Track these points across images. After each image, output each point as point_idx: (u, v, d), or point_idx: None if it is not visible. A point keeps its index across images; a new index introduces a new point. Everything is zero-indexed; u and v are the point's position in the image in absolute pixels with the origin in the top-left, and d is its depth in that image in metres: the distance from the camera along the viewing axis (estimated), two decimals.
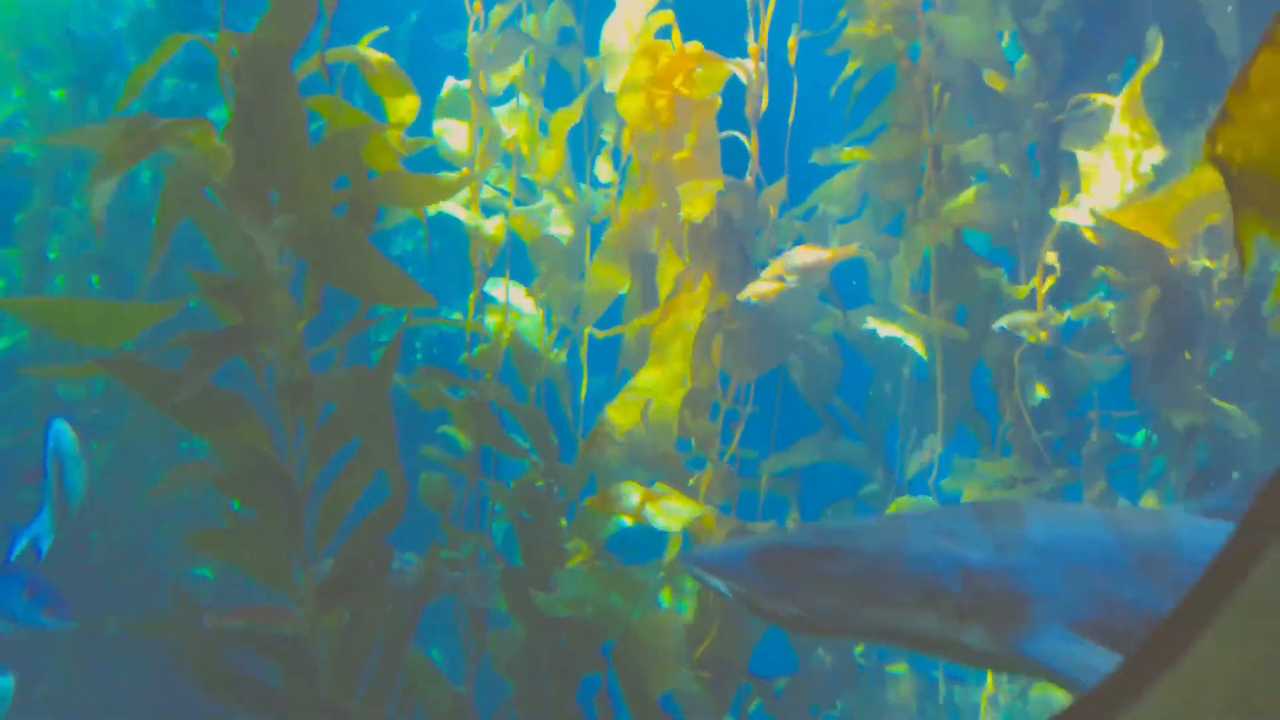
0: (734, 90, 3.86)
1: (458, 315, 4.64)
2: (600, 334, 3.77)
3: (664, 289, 3.53)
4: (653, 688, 3.92)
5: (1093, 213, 3.34)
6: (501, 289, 4.71)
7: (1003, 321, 4.11)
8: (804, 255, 3.70)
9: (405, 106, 3.84)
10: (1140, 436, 4.72)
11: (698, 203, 3.35)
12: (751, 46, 3.61)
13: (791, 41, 3.79)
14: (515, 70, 4.42)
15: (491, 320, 4.66)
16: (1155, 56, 3.40)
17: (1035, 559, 2.07)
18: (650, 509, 3.51)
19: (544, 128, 4.52)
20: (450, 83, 4.67)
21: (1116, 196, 3.38)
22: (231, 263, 3.57)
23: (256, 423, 3.62)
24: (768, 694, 4.09)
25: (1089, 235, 3.93)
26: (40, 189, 6.32)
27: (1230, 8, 3.64)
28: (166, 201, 3.31)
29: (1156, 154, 3.34)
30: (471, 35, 4.44)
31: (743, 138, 3.84)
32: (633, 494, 3.56)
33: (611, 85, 3.33)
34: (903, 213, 4.76)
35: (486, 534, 4.63)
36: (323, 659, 3.76)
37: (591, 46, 4.76)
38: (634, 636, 3.92)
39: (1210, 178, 2.97)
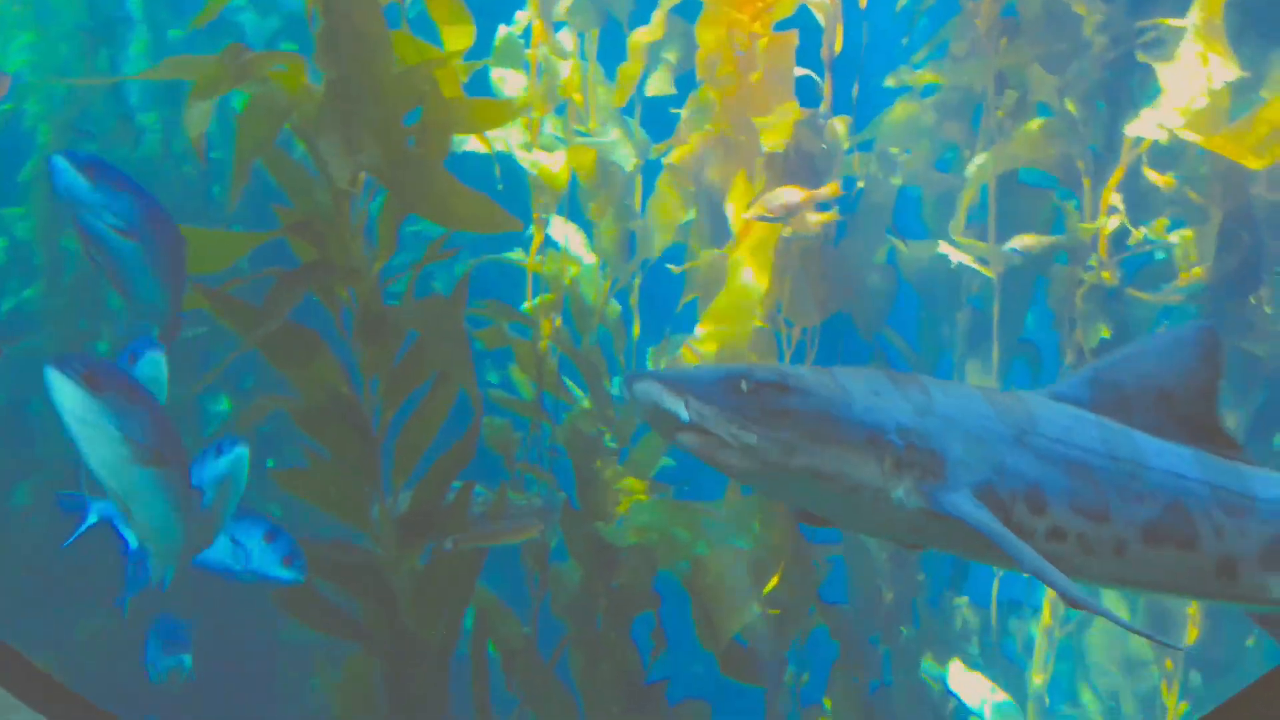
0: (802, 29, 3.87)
1: (519, 253, 4.66)
2: (675, 269, 3.78)
3: (737, 214, 3.54)
4: (726, 624, 3.99)
5: (1172, 132, 3.35)
6: (561, 231, 4.76)
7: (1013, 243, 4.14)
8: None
9: (463, 34, 3.85)
10: None
11: (776, 129, 3.36)
12: None
13: None
14: (571, 11, 4.44)
15: (550, 267, 4.72)
16: None
17: (944, 425, 2.20)
18: None
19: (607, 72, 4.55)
20: (503, 30, 4.69)
21: (1189, 114, 3.39)
22: (305, 201, 3.60)
23: (333, 361, 3.67)
24: (836, 620, 4.15)
25: (1152, 175, 3.94)
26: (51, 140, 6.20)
27: None
28: (245, 135, 3.33)
29: (1231, 72, 3.33)
30: None
31: (813, 75, 3.86)
32: None
33: None
34: (955, 148, 4.78)
35: (549, 472, 4.71)
36: (402, 592, 3.82)
37: None
38: (705, 571, 3.97)
39: None
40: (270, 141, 3.34)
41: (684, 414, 2.11)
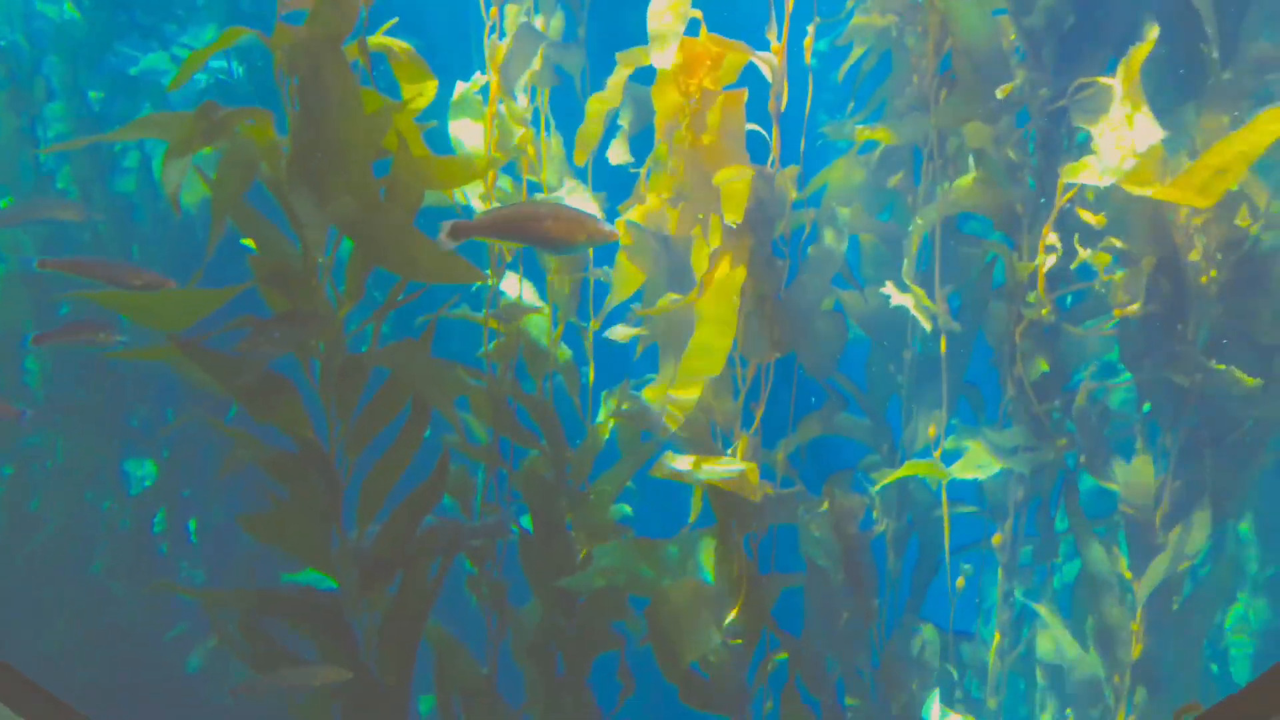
0: (748, 84, 4.05)
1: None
2: (642, 311, 3.92)
3: (700, 267, 3.69)
4: (686, 653, 4.08)
5: (1115, 181, 3.58)
6: (513, 284, 4.89)
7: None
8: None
9: (425, 92, 3.98)
10: (1127, 402, 5.01)
11: (735, 189, 3.52)
12: (775, 45, 3.80)
13: (808, 41, 4.00)
14: (528, 71, 4.59)
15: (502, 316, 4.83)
16: (1150, 42, 3.66)
17: None
18: (706, 467, 3.69)
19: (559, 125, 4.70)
20: (461, 86, 4.84)
21: (1118, 170, 3.63)
22: (272, 253, 3.68)
23: (300, 408, 3.73)
24: (795, 649, 4.26)
25: (1086, 215, 4.18)
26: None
27: None
28: (220, 190, 3.41)
29: (1156, 131, 3.59)
30: (487, 39, 4.61)
31: (760, 130, 4.04)
32: (682, 459, 3.74)
33: (661, 60, 3.48)
34: (897, 197, 5.01)
35: (507, 511, 4.79)
36: (365, 637, 3.87)
37: (593, 47, 4.96)
38: (666, 602, 4.07)
39: (1236, 145, 3.24)
40: (243, 194, 3.42)
41: None
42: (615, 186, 4.46)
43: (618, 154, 4.40)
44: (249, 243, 3.62)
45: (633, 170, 4.04)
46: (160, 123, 3.23)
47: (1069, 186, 4.04)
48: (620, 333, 4.38)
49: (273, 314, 3.59)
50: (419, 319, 4.48)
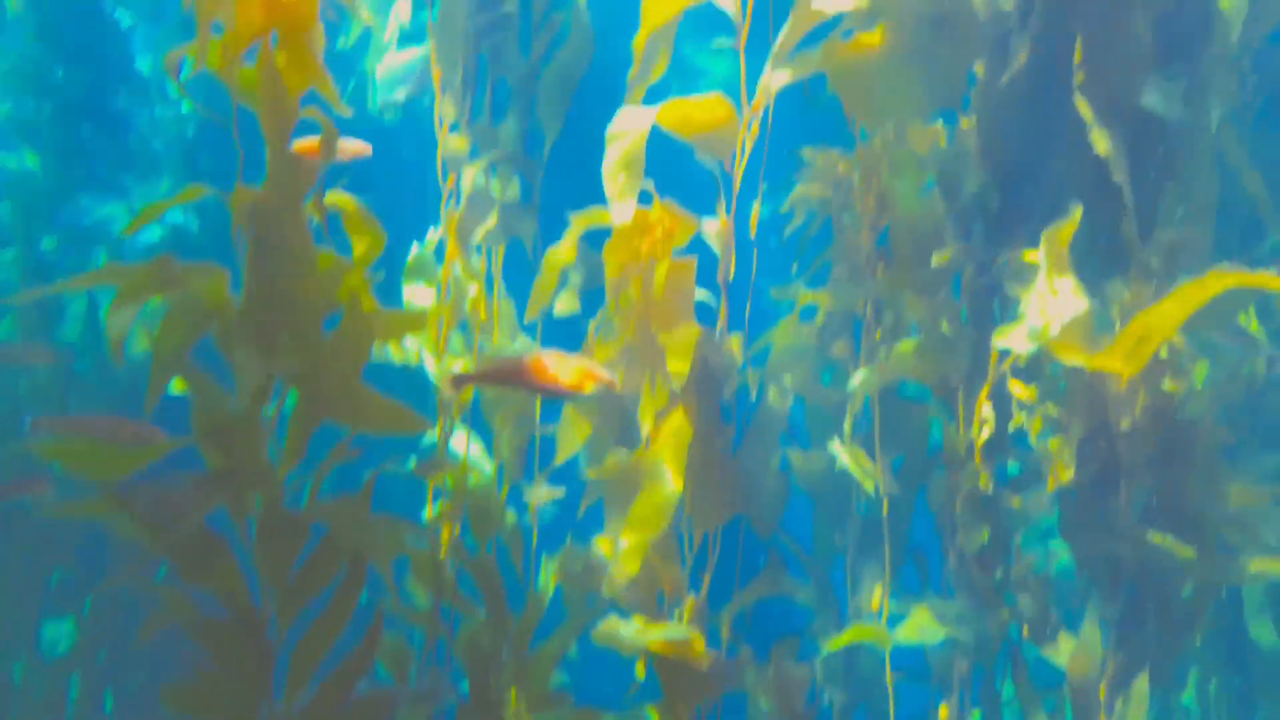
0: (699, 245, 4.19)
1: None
2: (590, 470, 3.92)
3: (647, 424, 3.72)
4: None
5: (1041, 346, 3.71)
6: (461, 440, 4.87)
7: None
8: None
9: (373, 245, 4.04)
10: (1069, 571, 5.04)
11: (680, 347, 3.59)
12: (723, 218, 3.95)
13: (753, 217, 4.18)
14: (482, 231, 4.72)
15: (449, 475, 4.81)
16: (1074, 220, 3.86)
17: None
18: (650, 633, 3.61)
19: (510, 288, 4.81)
20: (415, 249, 4.95)
21: (1044, 336, 3.77)
22: (213, 407, 3.63)
23: (236, 569, 3.61)
24: None
25: (1016, 387, 4.31)
26: None
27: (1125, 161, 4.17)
28: (164, 342, 3.39)
29: (1082, 303, 3.75)
30: (444, 206, 4.76)
31: (709, 297, 4.17)
32: (626, 624, 3.66)
33: (618, 216, 3.58)
34: (836, 364, 5.13)
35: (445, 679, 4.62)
36: None
37: (546, 205, 5.14)
38: None
39: (1158, 314, 3.39)
40: (189, 349, 3.40)
41: None
42: (565, 344, 4.54)
43: (566, 304, 4.48)
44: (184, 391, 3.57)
45: (581, 328, 4.11)
46: (115, 273, 3.23)
47: (1003, 356, 4.17)
48: (543, 494, 4.38)
49: (210, 470, 3.52)
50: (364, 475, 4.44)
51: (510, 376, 3.47)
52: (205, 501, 3.28)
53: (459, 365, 4.72)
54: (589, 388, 3.35)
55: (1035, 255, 3.94)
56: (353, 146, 4.08)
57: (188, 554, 3.35)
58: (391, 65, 5.39)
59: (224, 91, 3.41)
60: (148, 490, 3.23)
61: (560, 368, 3.36)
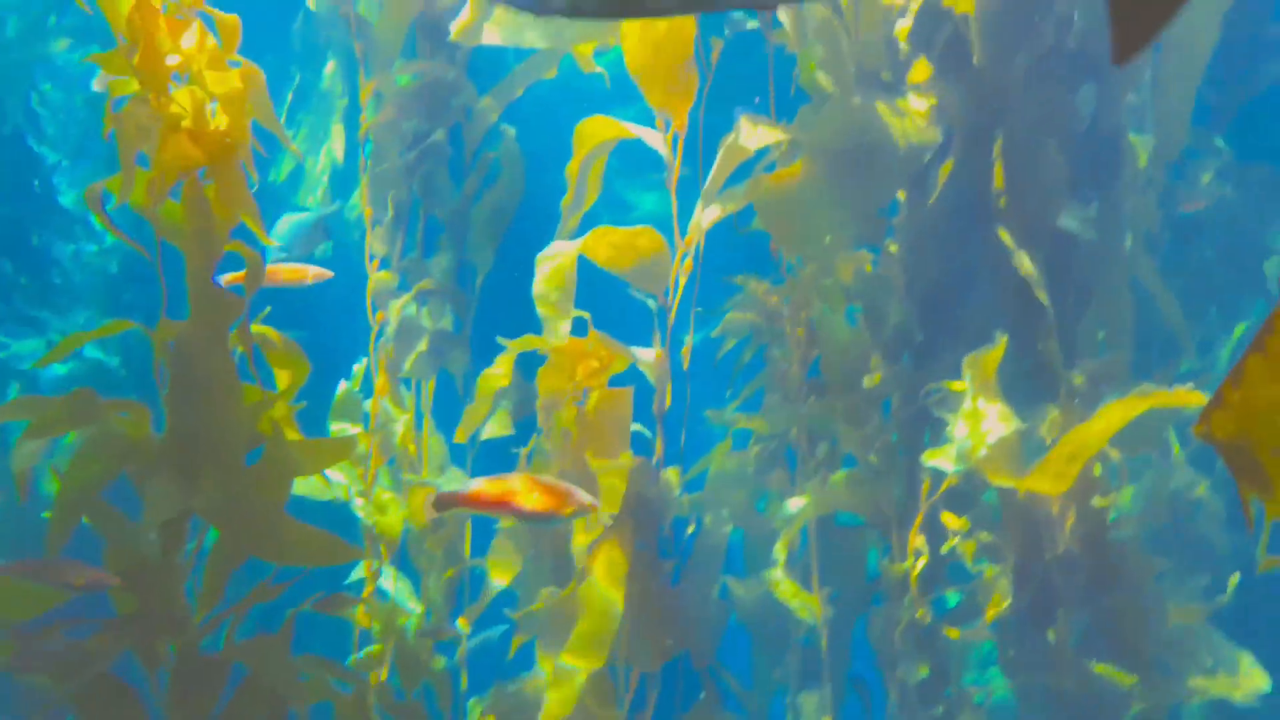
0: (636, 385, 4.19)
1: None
2: (537, 606, 3.79)
3: (580, 556, 3.64)
4: None
5: (975, 468, 3.73)
6: (390, 582, 4.73)
7: None
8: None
9: (297, 377, 3.96)
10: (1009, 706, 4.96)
11: (612, 479, 3.54)
12: (658, 349, 3.97)
13: (685, 349, 4.20)
14: (411, 358, 4.68)
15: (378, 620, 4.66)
16: (1000, 347, 3.94)
17: None
18: None
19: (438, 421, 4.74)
20: (343, 385, 4.88)
21: (973, 457, 3.80)
22: (126, 549, 3.47)
23: (142, 718, 3.40)
24: None
25: (948, 518, 4.31)
26: None
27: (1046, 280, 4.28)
28: (72, 479, 3.25)
29: (1010, 425, 3.80)
30: (374, 343, 4.73)
31: (644, 429, 4.15)
32: None
33: (552, 336, 3.56)
34: (770, 493, 5.09)
35: None
36: None
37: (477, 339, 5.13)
38: None
39: (1084, 435, 3.44)
40: (102, 486, 3.26)
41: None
42: (495, 471, 4.45)
43: (498, 428, 4.42)
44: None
45: (513, 451, 4.05)
46: (30, 406, 3.11)
47: (935, 484, 4.18)
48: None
49: (119, 614, 3.34)
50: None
51: (491, 501, 3.43)
52: (111, 648, 3.09)
53: (391, 504, 4.60)
54: (568, 512, 3.31)
55: (962, 384, 4.00)
56: (313, 270, 4.07)
57: (91, 703, 3.14)
58: (284, 226, 5.35)
59: (149, 226, 3.36)
60: (53, 634, 3.04)
61: (538, 491, 3.32)
